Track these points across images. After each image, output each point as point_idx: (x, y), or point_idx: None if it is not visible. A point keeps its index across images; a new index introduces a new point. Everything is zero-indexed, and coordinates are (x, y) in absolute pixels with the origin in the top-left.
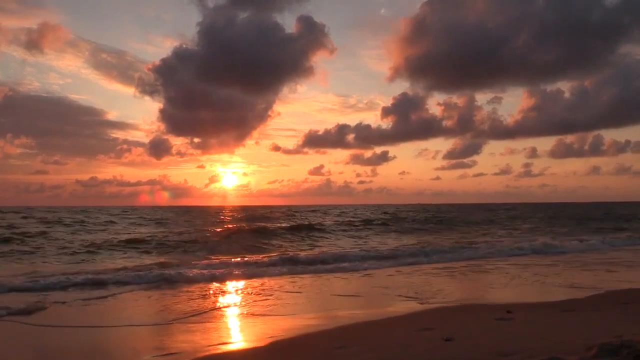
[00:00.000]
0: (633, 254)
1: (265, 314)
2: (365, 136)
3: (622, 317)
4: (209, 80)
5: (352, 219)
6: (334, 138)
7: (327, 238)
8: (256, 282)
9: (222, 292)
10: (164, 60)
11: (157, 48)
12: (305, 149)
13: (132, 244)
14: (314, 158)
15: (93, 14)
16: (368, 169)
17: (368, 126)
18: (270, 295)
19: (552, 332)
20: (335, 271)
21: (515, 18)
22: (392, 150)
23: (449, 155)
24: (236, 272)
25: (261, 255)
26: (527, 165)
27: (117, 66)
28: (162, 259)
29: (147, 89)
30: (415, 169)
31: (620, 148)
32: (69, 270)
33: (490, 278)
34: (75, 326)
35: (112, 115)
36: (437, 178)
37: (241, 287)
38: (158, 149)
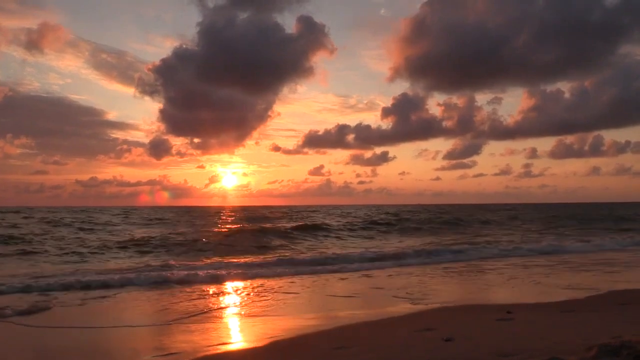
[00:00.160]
0: (635, 254)
1: (264, 314)
2: (365, 136)
3: (622, 317)
4: (209, 81)
5: (355, 220)
6: (334, 138)
7: (330, 238)
8: (256, 282)
9: (222, 292)
10: (164, 61)
11: (157, 48)
12: (305, 149)
13: (133, 244)
14: (314, 158)
15: (93, 14)
16: (368, 169)
17: (368, 126)
18: (270, 295)
19: (552, 333)
20: (337, 272)
21: (515, 18)
22: (392, 150)
23: (449, 155)
24: (236, 273)
25: (261, 256)
26: (527, 165)
27: (117, 66)
28: (162, 260)
29: (147, 89)
30: (415, 169)
31: (621, 148)
32: (69, 270)
33: (490, 278)
34: (75, 327)
35: (112, 116)
36: (437, 178)
37: (241, 288)
38: (158, 149)
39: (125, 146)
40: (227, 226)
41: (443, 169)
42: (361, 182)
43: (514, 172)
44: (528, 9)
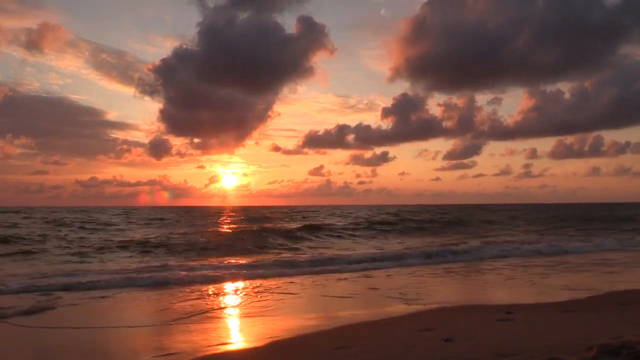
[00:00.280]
0: (635, 254)
1: (264, 314)
2: (365, 137)
3: (622, 318)
4: (209, 81)
5: (357, 220)
6: (334, 138)
7: (332, 239)
8: (255, 282)
9: (221, 292)
10: (164, 61)
11: (157, 48)
12: (305, 150)
13: (133, 244)
14: (314, 158)
15: (93, 14)
16: (368, 169)
17: (368, 127)
18: (270, 295)
19: (552, 333)
20: (337, 272)
21: (516, 18)
22: (392, 150)
23: (449, 155)
24: (236, 273)
25: (262, 257)
26: (527, 166)
27: (117, 66)
28: (162, 260)
29: (147, 89)
30: (415, 169)
31: (620, 149)
32: (69, 270)
33: (490, 278)
34: (75, 327)
35: (112, 116)
36: (437, 179)
37: (241, 288)
38: (158, 149)
39: (125, 146)
40: (228, 226)
41: (443, 169)
42: (361, 183)
43: (514, 172)
44: (528, 9)
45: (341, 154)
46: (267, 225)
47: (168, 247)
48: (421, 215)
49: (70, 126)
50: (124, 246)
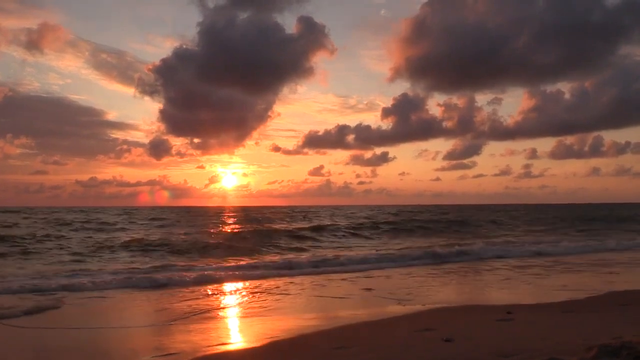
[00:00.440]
0: (636, 254)
1: (264, 314)
2: (365, 137)
3: (622, 318)
4: (209, 81)
5: (360, 220)
6: (334, 139)
7: (334, 239)
8: (255, 283)
9: (221, 292)
10: (164, 61)
11: (157, 48)
12: (305, 150)
13: (133, 244)
14: (314, 159)
15: (93, 14)
16: (368, 169)
17: (368, 127)
18: (270, 296)
19: (552, 333)
20: (337, 272)
21: (516, 19)
22: (392, 151)
23: (449, 156)
24: (236, 274)
25: (262, 257)
26: (527, 166)
27: (117, 66)
28: (162, 260)
29: (147, 89)
30: (415, 169)
31: (620, 149)
32: (69, 271)
33: (490, 279)
34: (75, 327)
35: (112, 116)
36: (437, 179)
37: (240, 288)
38: (158, 149)
39: (125, 146)
40: (228, 227)
41: (443, 169)
42: (361, 183)
43: (514, 172)
44: (528, 9)
45: (341, 154)
46: (268, 225)
47: (168, 247)
48: (422, 215)
49: (70, 126)
50: (124, 246)
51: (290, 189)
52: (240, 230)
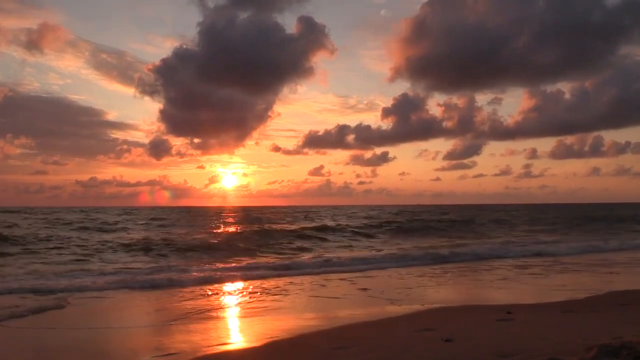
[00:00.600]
0: (636, 255)
1: (264, 314)
2: (366, 137)
3: (622, 318)
4: (209, 81)
5: (363, 221)
6: (334, 139)
7: (336, 240)
8: (255, 283)
9: (221, 293)
10: (164, 61)
11: (157, 48)
12: (305, 150)
13: (133, 245)
14: (314, 159)
15: (93, 14)
16: (368, 169)
17: (368, 127)
18: (270, 296)
19: (552, 333)
20: (338, 272)
21: (516, 19)
22: (392, 151)
23: (449, 156)
24: (235, 274)
25: (262, 258)
26: (527, 166)
27: (117, 66)
28: (163, 261)
29: (147, 90)
30: (415, 169)
31: (621, 149)
32: (69, 271)
33: (489, 278)
34: (75, 327)
35: (112, 116)
36: (437, 179)
37: (240, 288)
38: (158, 149)
39: (125, 146)
40: (228, 227)
41: (443, 169)
42: (361, 183)
43: (514, 172)
44: (528, 9)
45: (341, 154)
46: (269, 225)
47: (169, 247)
48: (423, 215)
49: (70, 126)
50: (123, 247)
51: (290, 189)
52: (241, 230)
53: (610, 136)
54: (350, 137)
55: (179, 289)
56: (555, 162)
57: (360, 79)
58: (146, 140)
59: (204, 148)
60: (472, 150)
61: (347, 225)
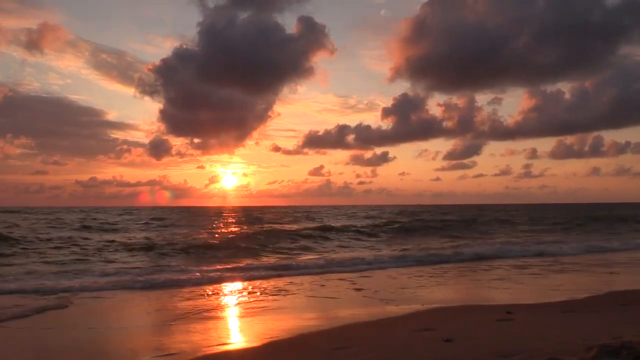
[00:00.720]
0: (636, 255)
1: (264, 314)
2: (366, 137)
3: (622, 318)
4: (209, 81)
5: (367, 221)
6: (334, 139)
7: (337, 240)
8: (255, 283)
9: (221, 293)
10: (164, 61)
11: (157, 48)
12: (305, 150)
13: (134, 245)
14: (314, 159)
15: (93, 14)
16: (368, 169)
17: (368, 127)
18: (270, 296)
19: (552, 333)
20: (337, 272)
21: (516, 19)
22: (392, 151)
23: (449, 156)
24: (235, 274)
25: (262, 258)
26: (527, 166)
27: (117, 66)
28: (164, 261)
29: (147, 90)
30: (415, 169)
31: (621, 149)
32: (69, 271)
33: (489, 278)
34: (74, 327)
35: (112, 116)
36: (437, 179)
37: (241, 289)
38: (158, 149)
39: (125, 146)
40: (229, 227)
41: (443, 169)
42: (361, 183)
43: (514, 172)
44: (528, 9)
45: (341, 154)
46: (271, 225)
47: (169, 247)
48: (423, 215)
49: (70, 126)
50: (124, 247)
51: (290, 189)
52: (242, 230)
53: (610, 136)
54: (350, 137)
55: (179, 289)
56: (555, 162)
57: (360, 79)
58: (146, 140)
59: (204, 148)
60: (472, 150)
61: (348, 225)
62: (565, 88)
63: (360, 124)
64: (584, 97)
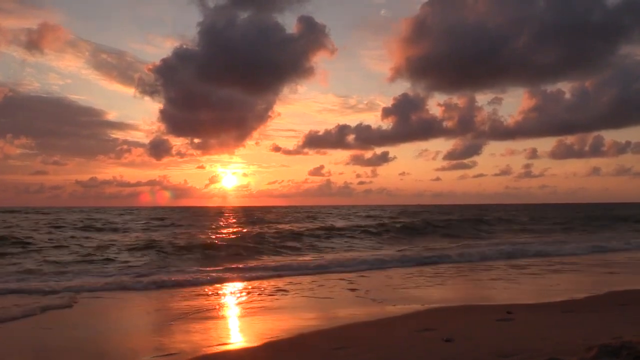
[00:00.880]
0: (636, 255)
1: (264, 314)
2: (366, 137)
3: (622, 318)
4: (209, 81)
5: (369, 221)
6: (334, 139)
7: (338, 241)
8: (255, 283)
9: (221, 293)
10: (164, 61)
11: (157, 48)
12: (306, 150)
13: (134, 245)
14: (314, 159)
15: (93, 14)
16: (368, 169)
17: (368, 127)
18: (270, 296)
19: (552, 333)
20: (338, 272)
21: (516, 19)
22: (392, 150)
23: (449, 156)
24: (235, 275)
25: (263, 259)
26: (527, 166)
27: (117, 66)
28: (164, 261)
29: (147, 90)
30: (416, 169)
31: (621, 149)
32: (69, 271)
33: (489, 279)
34: (75, 327)
35: (112, 116)
36: (437, 179)
37: (241, 289)
38: (158, 149)
39: (125, 146)
40: (229, 228)
41: (443, 169)
42: (361, 183)
43: (514, 172)
44: (528, 9)
45: (341, 154)
46: (270, 225)
47: (169, 247)
48: (423, 215)
49: (70, 126)
50: (124, 247)
51: (290, 189)
52: (242, 230)
53: (610, 136)
54: (351, 137)
55: (179, 289)
56: (556, 162)
57: (360, 79)
58: (146, 140)
59: (204, 148)
60: (472, 150)
61: (349, 225)
62: (565, 88)
63: (361, 124)
64: (584, 97)
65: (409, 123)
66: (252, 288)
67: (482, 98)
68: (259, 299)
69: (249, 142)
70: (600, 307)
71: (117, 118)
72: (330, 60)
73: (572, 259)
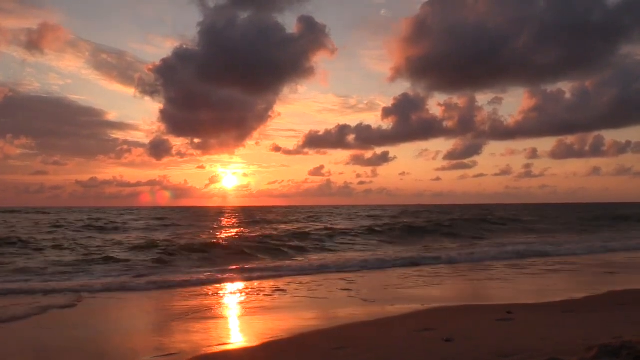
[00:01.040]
0: (636, 255)
1: (263, 314)
2: (366, 137)
3: (622, 318)
4: (209, 81)
5: (370, 221)
6: (335, 139)
7: (339, 240)
8: (255, 283)
9: (221, 293)
10: (164, 61)
11: (157, 48)
12: (306, 150)
13: (134, 245)
14: (314, 159)
15: (93, 14)
16: (368, 169)
17: (368, 127)
18: (269, 296)
19: (552, 333)
20: (339, 272)
21: (516, 18)
22: (392, 150)
23: (450, 155)
24: (234, 275)
25: (263, 259)
26: (527, 166)
27: (117, 66)
28: (164, 261)
29: (147, 90)
30: (416, 169)
31: (621, 149)
32: (69, 272)
33: (490, 279)
34: (75, 327)
35: (112, 116)
36: (438, 179)
37: (241, 289)
38: (158, 149)
39: (125, 146)
40: (229, 228)
41: (443, 169)
42: (361, 183)
43: (515, 172)
44: (528, 9)
45: (341, 154)
46: (270, 226)
47: (169, 248)
48: (424, 215)
49: (70, 126)
50: (124, 247)
51: (290, 189)
52: (242, 230)
53: (610, 136)
54: (351, 137)
55: (179, 289)
56: (556, 162)
57: (360, 79)
58: (146, 141)
59: (204, 148)
60: (473, 150)
61: (349, 225)
62: (565, 88)
63: (361, 123)
64: (584, 96)
65: (409, 123)
66: (252, 288)
67: (482, 98)
68: (259, 299)
69: (249, 142)
70: (600, 307)
71: (117, 118)
72: (330, 60)
73: (572, 259)
